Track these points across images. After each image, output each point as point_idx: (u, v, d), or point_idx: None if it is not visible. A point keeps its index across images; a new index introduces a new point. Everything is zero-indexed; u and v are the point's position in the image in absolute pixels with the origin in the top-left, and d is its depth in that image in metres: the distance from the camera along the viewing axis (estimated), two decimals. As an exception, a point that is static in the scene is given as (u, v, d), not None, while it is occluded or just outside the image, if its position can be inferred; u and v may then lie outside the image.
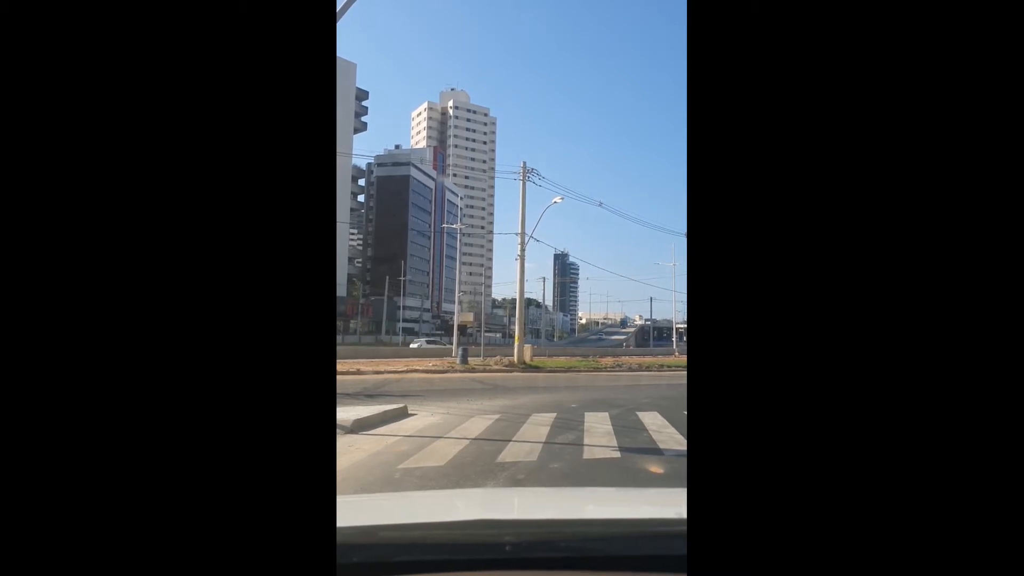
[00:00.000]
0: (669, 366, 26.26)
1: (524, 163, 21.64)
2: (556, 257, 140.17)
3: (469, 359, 21.44)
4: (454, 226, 34.57)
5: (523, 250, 21.80)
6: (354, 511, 1.27)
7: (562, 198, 21.29)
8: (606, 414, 8.59)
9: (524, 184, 21.62)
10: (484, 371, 19.40)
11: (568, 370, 21.73)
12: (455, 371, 19.13)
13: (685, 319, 55.71)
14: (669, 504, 1.34)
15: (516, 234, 22.19)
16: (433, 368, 19.32)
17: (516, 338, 21.74)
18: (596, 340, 79.55)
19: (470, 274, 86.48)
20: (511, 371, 19.90)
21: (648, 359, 33.11)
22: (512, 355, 21.37)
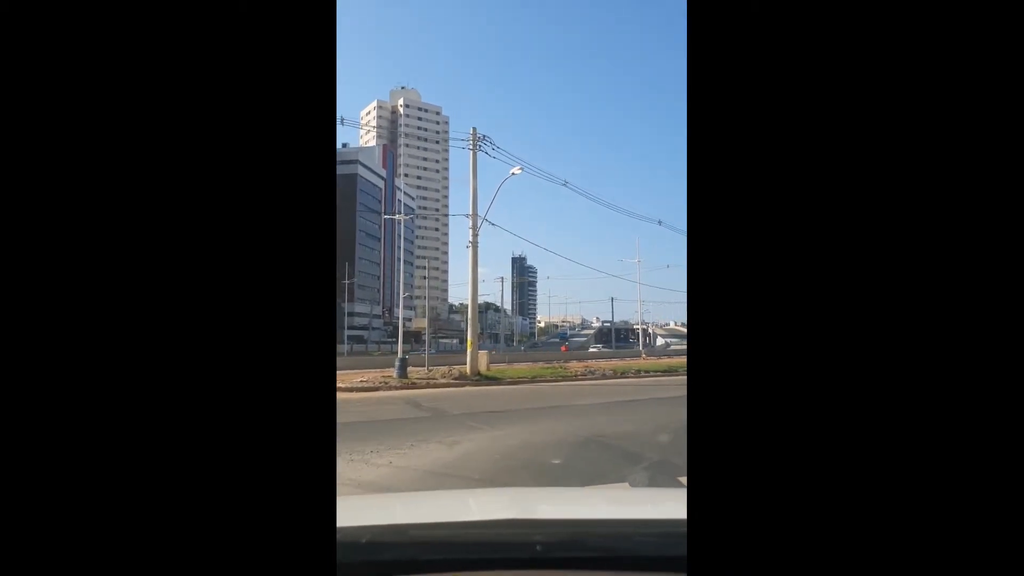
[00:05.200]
0: (647, 371, 22.66)
1: (474, 129, 17.71)
2: (514, 260, 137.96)
3: (415, 369, 17.30)
4: (397, 216, 30.21)
5: (475, 235, 17.80)
6: (384, 509, 1.45)
7: (521, 169, 17.39)
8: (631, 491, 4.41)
9: (475, 155, 17.65)
10: (428, 386, 15.30)
11: (532, 380, 17.79)
12: (390, 387, 14.91)
13: (643, 320, 53.68)
14: None
15: (467, 215, 18.18)
16: (362, 384, 15.06)
17: (468, 343, 17.68)
18: (557, 343, 76.95)
19: (424, 277, 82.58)
20: (462, 385, 15.83)
21: (617, 362, 29.93)
22: (467, 363, 17.34)
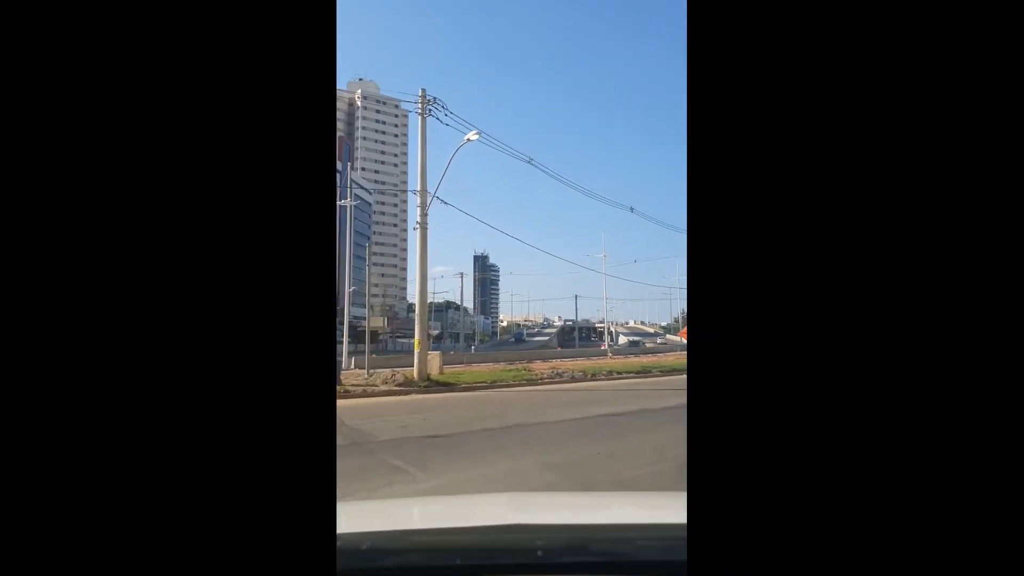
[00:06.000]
0: (619, 372, 20.28)
1: (423, 91, 14.95)
2: (476, 259, 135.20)
3: (353, 373, 14.40)
4: (344, 202, 27.27)
5: (424, 214, 15.05)
6: (385, 515, 1.44)
7: (478, 135, 14.68)
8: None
9: (424, 120, 14.91)
10: (364, 395, 12.51)
11: (492, 384, 15.16)
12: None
13: (606, 319, 51.90)
14: None
15: (415, 192, 15.41)
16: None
17: (416, 343, 14.91)
18: (523, 341, 74.77)
19: (382, 275, 79.52)
20: (407, 392, 13.09)
21: (583, 362, 27.65)
22: (430, 365, 14.60)
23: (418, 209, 15.16)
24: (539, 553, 0.94)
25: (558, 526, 1.19)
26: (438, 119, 15.20)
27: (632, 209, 25.15)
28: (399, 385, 13.69)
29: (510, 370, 19.17)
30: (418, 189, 15.12)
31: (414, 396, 12.80)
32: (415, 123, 15.05)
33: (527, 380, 16.68)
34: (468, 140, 14.82)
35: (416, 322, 15.54)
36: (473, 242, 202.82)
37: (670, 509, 1.33)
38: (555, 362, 28.26)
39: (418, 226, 15.18)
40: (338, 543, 0.75)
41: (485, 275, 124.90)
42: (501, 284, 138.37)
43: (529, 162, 18.11)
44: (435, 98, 15.12)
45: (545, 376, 17.67)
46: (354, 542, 0.93)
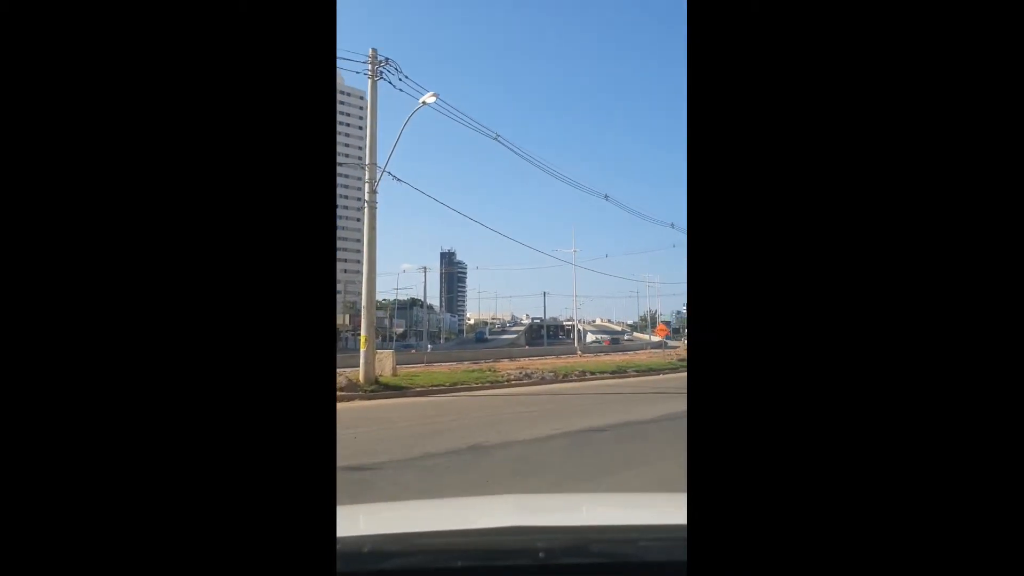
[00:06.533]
0: (592, 372, 18.57)
1: (373, 51, 12.88)
2: (443, 255, 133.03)
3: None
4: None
5: (373, 190, 12.97)
6: (388, 518, 1.41)
7: (435, 96, 12.68)
8: None
9: (374, 83, 12.83)
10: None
11: (451, 388, 13.27)
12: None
13: (575, 317, 50.64)
14: None
15: (363, 165, 13.35)
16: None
17: (362, 340, 12.82)
18: (485, 340, 72.92)
19: (344, 271, 76.93)
20: (349, 399, 11.00)
21: (553, 361, 25.94)
22: (380, 366, 12.51)
23: (367, 186, 13.10)
24: (540, 555, 0.94)
25: (559, 528, 1.19)
26: (390, 84, 13.14)
27: (607, 197, 23.29)
28: (340, 390, 11.61)
29: (473, 371, 17.21)
30: (367, 163, 13.06)
31: (356, 403, 10.78)
32: (390, 96, 12.93)
33: (491, 382, 14.81)
34: (423, 103, 12.81)
35: (363, 317, 13.45)
36: (440, 239, 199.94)
37: (670, 510, 1.30)
38: (523, 361, 26.45)
39: (366, 204, 13.10)
40: (338, 546, 0.75)
41: (452, 269, 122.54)
42: (468, 281, 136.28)
43: (495, 138, 16.22)
44: (387, 59, 13.06)
45: (512, 377, 15.80)
46: (355, 545, 0.93)
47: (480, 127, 22.68)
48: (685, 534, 0.72)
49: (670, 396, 12.24)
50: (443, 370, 17.79)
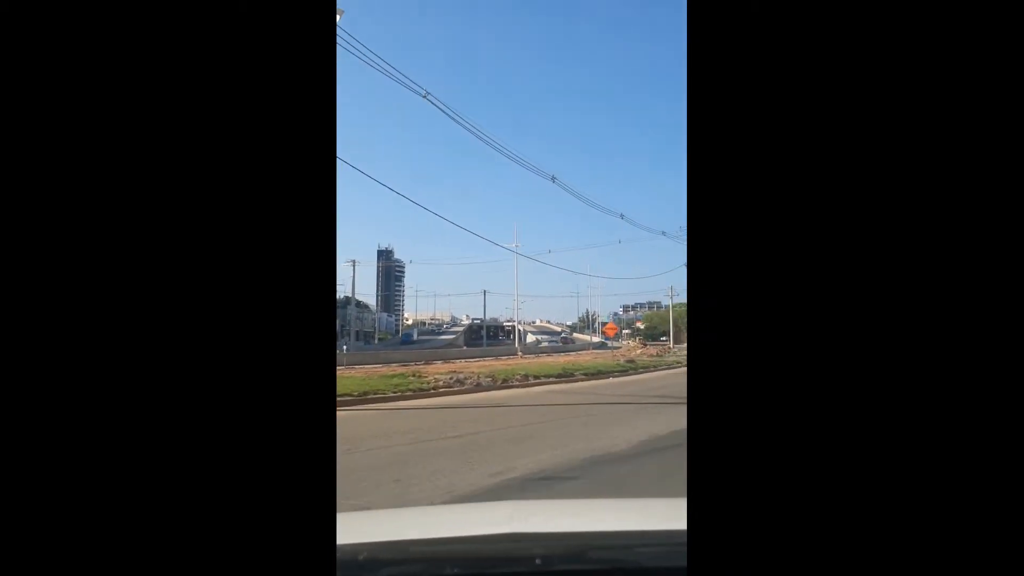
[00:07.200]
0: (535, 376, 16.08)
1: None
2: (380, 253, 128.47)
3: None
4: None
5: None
6: (383, 526, 1.35)
7: (341, 12, 9.85)
8: None
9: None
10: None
11: (360, 398, 10.56)
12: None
13: (517, 317, 48.45)
14: None
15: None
16: None
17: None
18: (421, 341, 69.67)
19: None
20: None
21: (492, 363, 23.46)
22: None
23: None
24: (537, 561, 0.94)
25: (556, 534, 1.18)
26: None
27: (554, 179, 20.82)
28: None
29: (394, 376, 14.38)
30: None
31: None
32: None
33: (415, 390, 12.12)
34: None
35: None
36: (378, 235, 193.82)
37: (669, 515, 1.27)
38: (458, 363, 23.78)
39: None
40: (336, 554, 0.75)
41: (390, 263, 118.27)
42: (406, 279, 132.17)
43: (424, 96, 13.47)
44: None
45: (441, 384, 13.15)
46: (351, 553, 0.92)
47: (409, 82, 19.56)
48: (685, 540, 0.71)
49: (640, 408, 9.83)
50: (358, 375, 14.90)
